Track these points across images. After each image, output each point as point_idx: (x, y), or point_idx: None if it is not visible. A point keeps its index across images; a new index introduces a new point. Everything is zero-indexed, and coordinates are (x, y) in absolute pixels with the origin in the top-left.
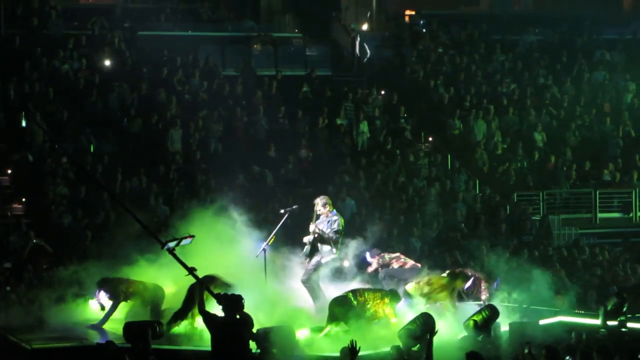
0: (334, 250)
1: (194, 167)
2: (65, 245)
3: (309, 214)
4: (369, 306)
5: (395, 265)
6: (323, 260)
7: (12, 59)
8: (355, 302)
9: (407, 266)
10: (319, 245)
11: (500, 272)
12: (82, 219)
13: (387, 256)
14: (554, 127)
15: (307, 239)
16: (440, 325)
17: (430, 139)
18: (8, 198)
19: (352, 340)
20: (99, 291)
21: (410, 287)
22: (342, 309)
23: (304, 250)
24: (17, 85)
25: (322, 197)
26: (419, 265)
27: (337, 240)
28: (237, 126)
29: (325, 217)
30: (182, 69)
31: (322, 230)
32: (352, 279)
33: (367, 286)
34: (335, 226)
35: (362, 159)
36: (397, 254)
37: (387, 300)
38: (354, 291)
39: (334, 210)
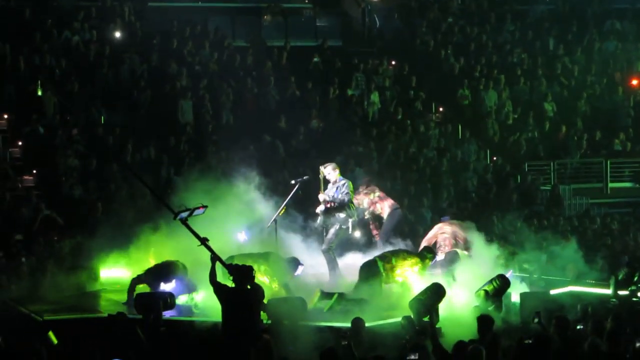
0: (350, 213)
1: (204, 138)
2: (76, 217)
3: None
4: (397, 272)
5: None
6: (344, 226)
7: (22, 30)
8: (382, 270)
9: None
10: (334, 214)
11: (510, 242)
12: (93, 191)
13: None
14: (564, 96)
15: (319, 209)
16: (455, 294)
17: (441, 109)
18: (19, 170)
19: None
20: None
21: None
22: (370, 275)
23: (318, 221)
24: (28, 57)
25: (327, 163)
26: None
27: (349, 201)
28: (248, 97)
29: (333, 185)
30: (192, 40)
31: (333, 197)
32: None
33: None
34: (344, 189)
35: (373, 129)
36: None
37: (417, 265)
38: (381, 257)
39: (341, 177)
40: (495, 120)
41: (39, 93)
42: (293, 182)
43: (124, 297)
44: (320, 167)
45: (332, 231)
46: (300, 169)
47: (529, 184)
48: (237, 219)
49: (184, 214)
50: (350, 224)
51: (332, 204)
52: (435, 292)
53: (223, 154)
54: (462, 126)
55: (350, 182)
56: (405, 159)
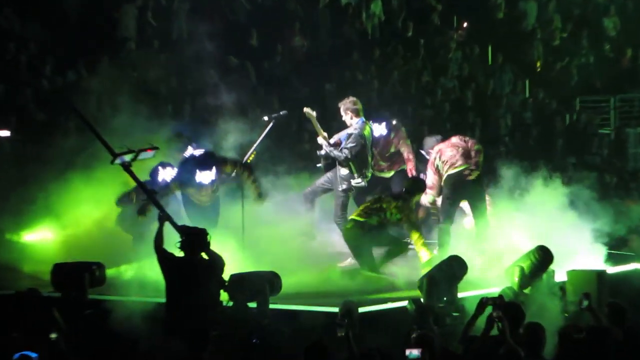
0: (355, 175)
1: (150, 58)
2: None
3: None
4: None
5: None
6: (343, 192)
7: None
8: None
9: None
10: (338, 168)
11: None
12: None
13: None
14: (630, 10)
15: (321, 152)
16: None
17: (465, 24)
18: None
19: None
20: None
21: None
22: (352, 239)
23: (320, 164)
24: None
25: (343, 101)
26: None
27: (342, 159)
28: (208, 5)
29: (348, 128)
30: None
31: (329, 146)
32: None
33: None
34: (349, 143)
35: (375, 50)
36: None
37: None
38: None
39: (362, 119)
40: (538, 41)
41: None
42: (266, 118)
43: (45, 267)
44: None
45: (337, 194)
46: (276, 100)
47: (582, 126)
48: None
49: (127, 157)
50: (353, 185)
51: (325, 151)
52: (451, 268)
53: (174, 80)
54: (492, 48)
55: (369, 127)
56: (417, 90)
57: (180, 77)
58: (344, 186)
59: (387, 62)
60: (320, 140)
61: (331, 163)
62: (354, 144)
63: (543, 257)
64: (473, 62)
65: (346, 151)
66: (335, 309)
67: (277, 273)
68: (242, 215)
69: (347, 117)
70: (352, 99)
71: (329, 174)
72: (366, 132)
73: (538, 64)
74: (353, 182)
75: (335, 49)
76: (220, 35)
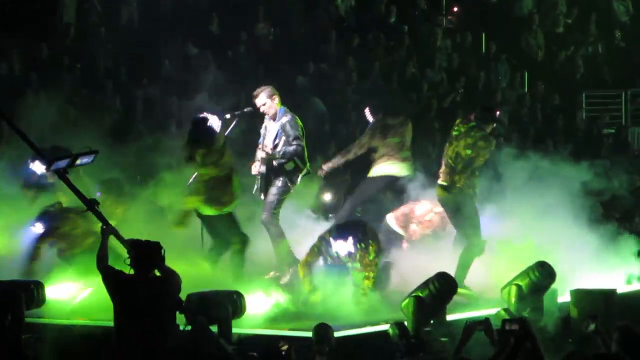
0: (301, 165)
1: (93, 46)
2: None
3: None
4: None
5: None
6: (290, 183)
7: None
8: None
9: None
10: (279, 170)
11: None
12: None
13: None
14: None
15: (256, 168)
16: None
17: (456, 8)
18: None
19: None
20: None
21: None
22: None
23: (256, 185)
24: None
25: (261, 88)
26: None
27: (300, 150)
28: None
29: (273, 122)
30: None
31: (277, 150)
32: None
33: None
34: (292, 131)
35: (353, 37)
36: None
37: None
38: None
39: (283, 108)
40: (539, 27)
41: None
42: (228, 115)
43: None
44: (256, 92)
45: (273, 190)
46: (240, 95)
47: (587, 123)
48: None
49: (62, 163)
50: (299, 180)
51: (275, 160)
52: (442, 286)
53: (123, 70)
54: (487, 35)
55: (299, 119)
56: (400, 83)
57: (129, 69)
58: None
59: (367, 51)
60: (259, 153)
61: (267, 180)
62: (297, 134)
63: (544, 274)
64: (464, 51)
65: (297, 141)
66: (307, 334)
67: (240, 292)
68: (200, 227)
69: (273, 103)
70: (269, 88)
71: (272, 189)
72: (299, 122)
73: (539, 54)
74: (299, 175)
75: (306, 36)
76: (176, 20)
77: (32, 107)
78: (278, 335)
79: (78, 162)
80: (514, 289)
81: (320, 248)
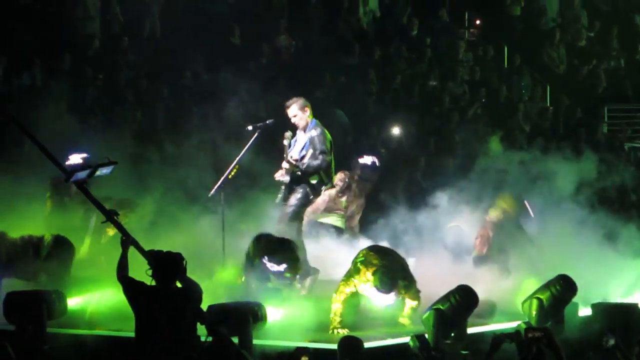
0: (325, 180)
1: (116, 56)
2: None
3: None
4: None
5: None
6: (312, 196)
7: None
8: None
9: None
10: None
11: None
12: None
13: None
14: None
15: (279, 175)
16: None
17: (478, 21)
18: None
19: None
20: None
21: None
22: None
23: (280, 194)
24: None
25: (293, 100)
26: None
27: (325, 165)
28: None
29: (303, 133)
30: None
31: (298, 162)
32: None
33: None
34: (318, 145)
35: (374, 50)
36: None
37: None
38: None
39: (314, 120)
40: (561, 41)
41: None
42: (250, 127)
43: None
44: (288, 102)
45: (292, 201)
46: (261, 106)
47: (609, 137)
48: None
49: (82, 174)
50: (322, 192)
51: (300, 172)
52: (462, 299)
53: (144, 83)
54: (509, 48)
55: (328, 133)
56: (421, 95)
57: (151, 80)
58: (314, 194)
59: (388, 63)
60: (285, 164)
61: (289, 191)
62: (324, 149)
63: (565, 288)
64: (486, 64)
65: (323, 155)
66: (333, 346)
67: (261, 303)
68: (222, 238)
69: (304, 115)
70: (301, 100)
71: (292, 199)
72: (328, 135)
73: (561, 68)
74: (323, 187)
75: (326, 48)
76: (197, 31)
77: (53, 117)
78: (299, 346)
79: (98, 173)
80: (535, 302)
81: None
